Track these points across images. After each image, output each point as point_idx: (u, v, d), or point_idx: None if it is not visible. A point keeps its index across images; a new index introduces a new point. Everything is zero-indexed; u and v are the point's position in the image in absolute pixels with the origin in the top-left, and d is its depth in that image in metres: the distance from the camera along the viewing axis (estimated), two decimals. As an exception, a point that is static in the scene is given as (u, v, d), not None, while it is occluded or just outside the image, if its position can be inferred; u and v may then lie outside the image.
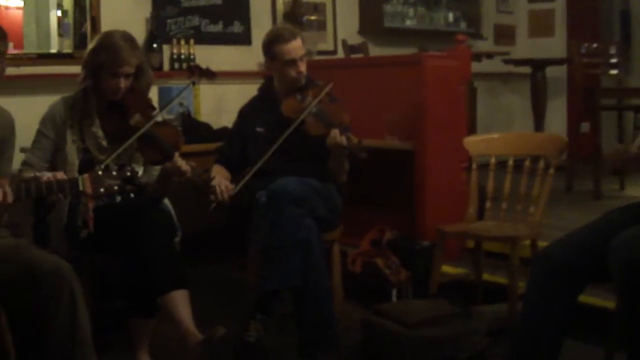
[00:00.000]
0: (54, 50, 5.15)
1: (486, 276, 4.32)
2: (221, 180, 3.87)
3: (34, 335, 2.83)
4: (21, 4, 5.10)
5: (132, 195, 2.85)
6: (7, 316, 3.11)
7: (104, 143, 3.53)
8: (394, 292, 4.26)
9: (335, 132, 3.68)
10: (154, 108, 3.59)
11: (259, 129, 4.03)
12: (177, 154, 3.42)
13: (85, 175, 2.80)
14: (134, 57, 3.50)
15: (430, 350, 3.49)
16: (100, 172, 2.81)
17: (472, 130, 5.80)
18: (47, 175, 2.82)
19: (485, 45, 7.91)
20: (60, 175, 2.82)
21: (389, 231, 4.50)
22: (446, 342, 3.53)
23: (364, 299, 4.26)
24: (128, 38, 3.54)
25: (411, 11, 7.19)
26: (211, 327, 3.22)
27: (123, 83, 3.49)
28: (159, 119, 3.69)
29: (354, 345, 3.74)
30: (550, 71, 7.00)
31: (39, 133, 3.58)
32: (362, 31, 6.82)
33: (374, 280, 4.31)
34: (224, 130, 4.94)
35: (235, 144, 4.15)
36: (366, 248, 4.49)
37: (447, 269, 4.42)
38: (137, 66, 3.53)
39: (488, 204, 4.20)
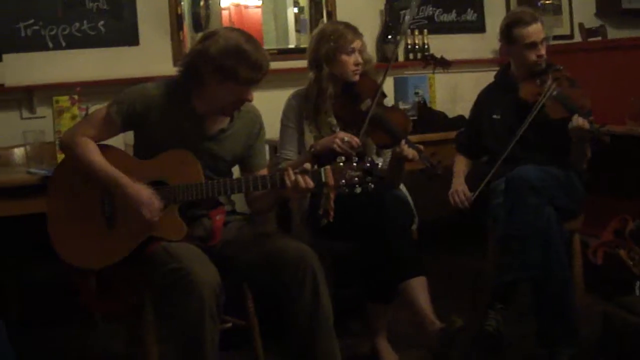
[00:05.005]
0: (291, 46, 5.34)
1: None
2: (457, 187, 3.89)
3: (279, 318, 2.95)
4: (260, 3, 5.34)
5: (371, 186, 2.90)
6: (253, 299, 3.28)
7: (338, 130, 3.61)
8: (637, 285, 4.09)
9: (577, 116, 3.58)
10: (383, 93, 3.64)
11: (495, 116, 3.98)
12: (403, 141, 3.44)
13: (328, 167, 2.87)
14: (356, 32, 3.61)
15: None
16: (341, 164, 2.88)
17: None
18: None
19: None
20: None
21: (632, 221, 4.33)
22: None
23: (605, 291, 4.12)
24: (339, 22, 3.72)
25: (652, -10, 6.86)
26: (449, 316, 3.24)
27: (360, 58, 3.59)
28: (389, 104, 3.76)
29: (594, 337, 3.62)
30: None
31: (284, 127, 3.72)
32: (599, 14, 6.54)
33: (616, 272, 4.16)
34: (459, 118, 4.92)
35: (472, 132, 4.14)
36: (608, 238, 4.33)
37: (696, 261, 4.20)
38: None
39: None
